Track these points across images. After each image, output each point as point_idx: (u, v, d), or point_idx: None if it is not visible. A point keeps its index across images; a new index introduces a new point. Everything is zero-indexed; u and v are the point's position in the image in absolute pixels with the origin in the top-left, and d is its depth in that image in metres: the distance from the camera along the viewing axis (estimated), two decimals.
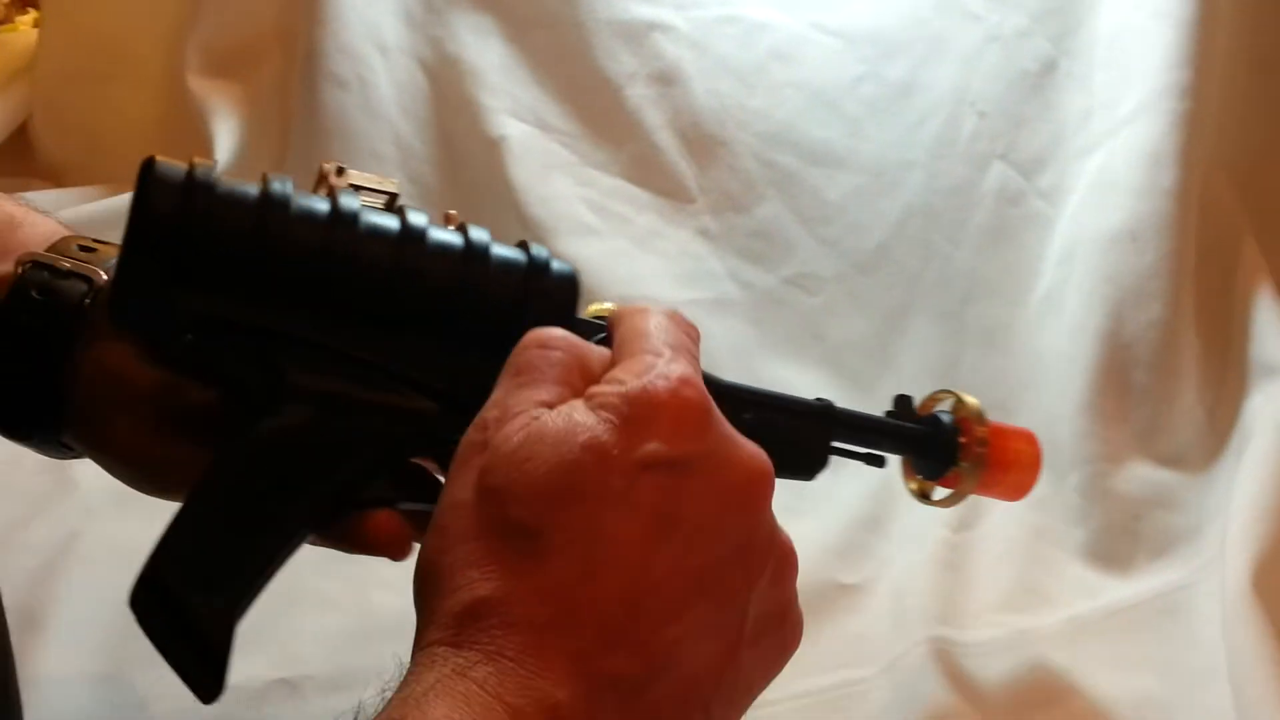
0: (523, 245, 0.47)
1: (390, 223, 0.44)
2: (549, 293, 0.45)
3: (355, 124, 1.14)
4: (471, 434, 0.38)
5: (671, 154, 1.13)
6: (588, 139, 1.15)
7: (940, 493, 0.59)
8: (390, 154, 1.14)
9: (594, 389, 0.37)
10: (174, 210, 0.40)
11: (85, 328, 0.46)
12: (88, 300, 0.46)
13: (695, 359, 0.39)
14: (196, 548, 0.39)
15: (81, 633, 0.71)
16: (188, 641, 0.38)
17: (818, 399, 0.53)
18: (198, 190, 0.40)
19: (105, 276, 0.47)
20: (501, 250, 0.45)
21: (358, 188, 0.45)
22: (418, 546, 0.39)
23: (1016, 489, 0.58)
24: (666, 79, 1.13)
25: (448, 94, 1.15)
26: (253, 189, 0.42)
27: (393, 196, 0.46)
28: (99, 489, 0.83)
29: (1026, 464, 0.57)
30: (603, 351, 0.41)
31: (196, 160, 0.42)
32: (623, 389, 0.36)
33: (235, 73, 1.22)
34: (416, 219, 0.44)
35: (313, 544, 0.44)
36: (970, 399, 0.57)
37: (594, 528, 0.34)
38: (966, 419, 0.56)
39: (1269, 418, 0.88)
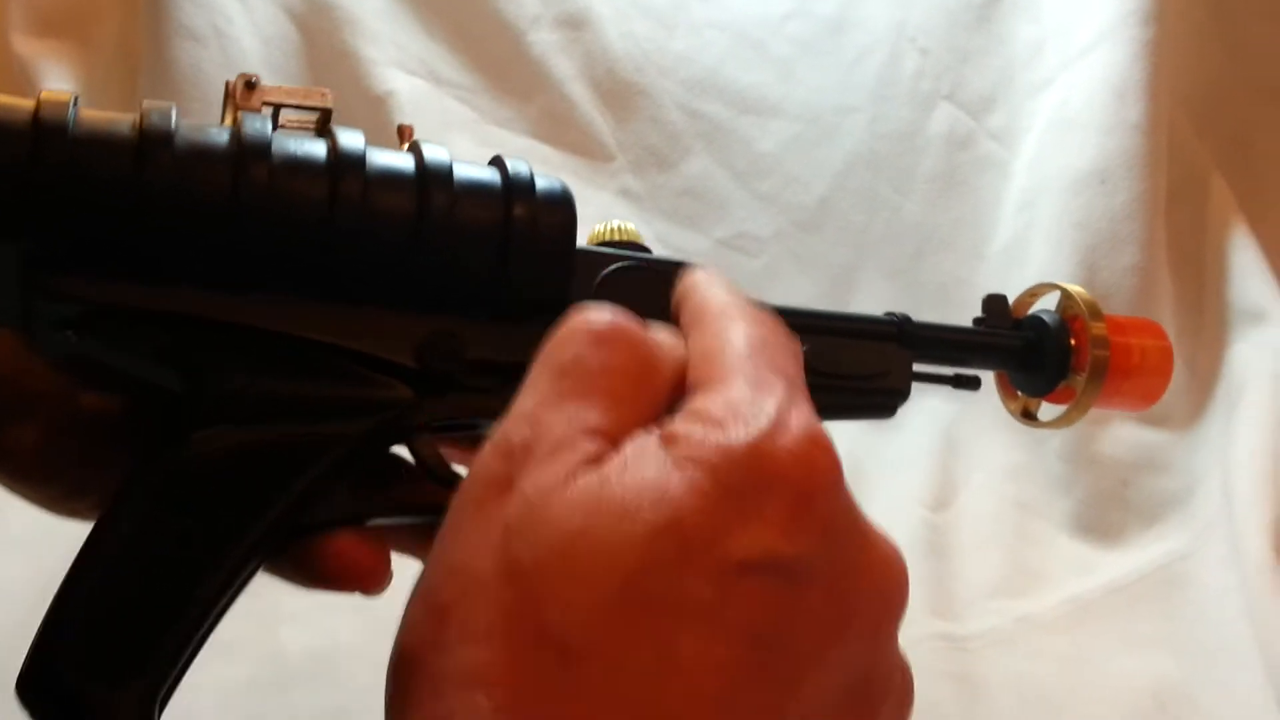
0: (497, 162, 0.37)
1: (316, 150, 0.33)
2: (538, 223, 0.35)
3: (214, 84, 1.00)
4: (490, 460, 0.26)
5: (585, 107, 1.01)
6: (489, 93, 1.03)
7: (1049, 410, 0.48)
8: None
9: (677, 425, 0.26)
10: (17, 165, 0.30)
11: None
12: None
13: (806, 389, 0.28)
14: (98, 618, 0.30)
15: None
16: None
17: (889, 314, 0.44)
18: (49, 136, 0.30)
19: None
20: (468, 172, 0.35)
21: (275, 107, 0.35)
22: (413, 569, 0.29)
23: (1145, 396, 0.47)
24: (576, 22, 1.02)
25: (321, 45, 1.02)
26: (124, 125, 0.32)
27: (325, 114, 0.36)
28: None
29: (1155, 365, 0.46)
30: (674, 347, 0.29)
31: (45, 95, 0.31)
32: (723, 439, 0.25)
33: (68, 30, 1.06)
34: (350, 141, 0.34)
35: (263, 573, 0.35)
36: (1079, 290, 0.46)
37: (665, 654, 0.23)
38: (1078, 317, 0.45)
39: (1263, 369, 0.81)
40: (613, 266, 0.38)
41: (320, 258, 0.33)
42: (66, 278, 0.31)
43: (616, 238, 0.40)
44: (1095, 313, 0.45)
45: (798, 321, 0.40)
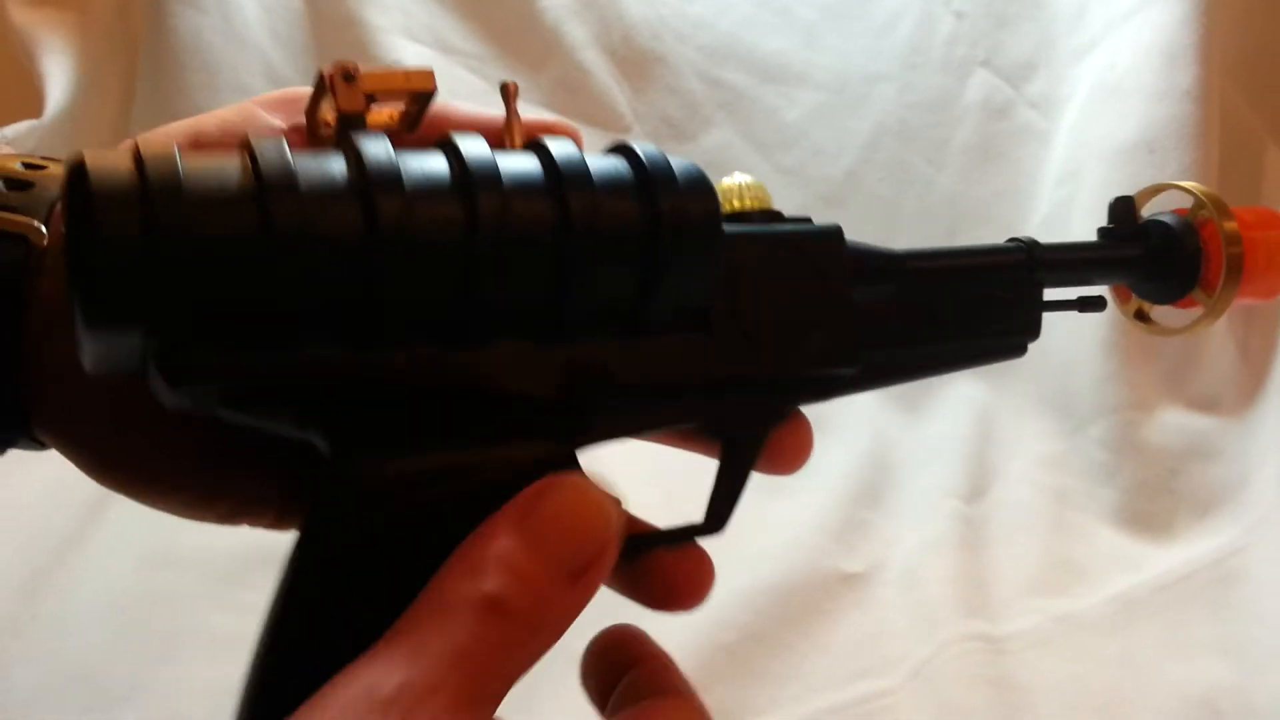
0: (622, 150, 0.32)
1: (439, 165, 0.29)
2: (686, 219, 0.31)
3: (216, 53, 0.97)
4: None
5: (601, 75, 0.97)
6: (500, 61, 0.98)
7: (1174, 316, 0.45)
8: (260, 88, 0.97)
9: None
10: (128, 239, 0.26)
11: (29, 302, 0.32)
12: (26, 266, 0.33)
13: None
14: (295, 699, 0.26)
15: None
16: None
17: (1012, 240, 0.41)
18: (162, 199, 0.26)
19: (46, 231, 0.33)
20: (602, 166, 0.31)
21: (370, 99, 0.30)
22: None
23: (1273, 290, 0.44)
24: None
25: (327, 12, 0.98)
26: (235, 171, 0.28)
27: (425, 97, 0.32)
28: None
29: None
30: None
31: (146, 148, 0.27)
32: None
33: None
34: (474, 148, 0.29)
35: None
36: (1201, 188, 0.43)
37: None
38: (1208, 220, 0.42)
39: None
40: (744, 246, 0.33)
41: (458, 291, 0.29)
42: (192, 357, 0.27)
43: (744, 203, 0.35)
44: (1224, 210, 0.42)
45: (925, 264, 0.38)
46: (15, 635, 0.63)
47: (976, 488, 0.81)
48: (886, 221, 0.94)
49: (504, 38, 0.99)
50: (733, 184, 0.35)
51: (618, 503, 0.30)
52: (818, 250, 0.35)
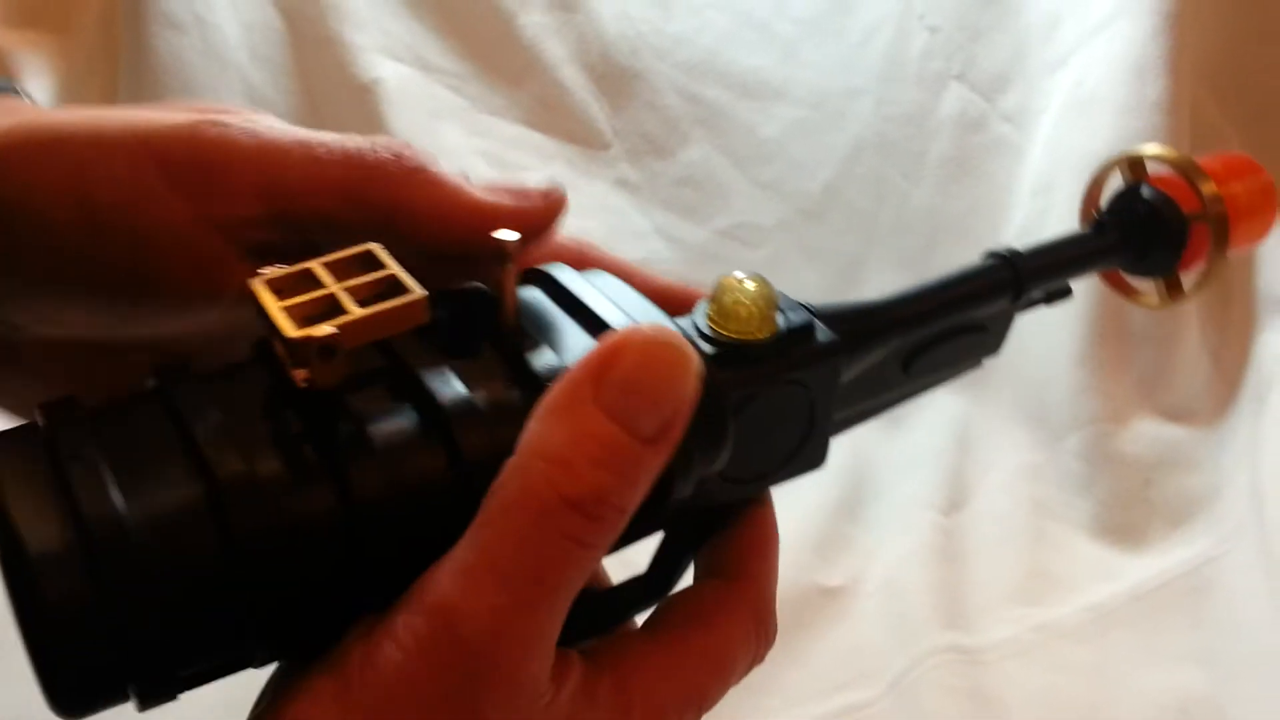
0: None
1: (405, 425, 0.26)
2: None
3: (196, 74, 0.97)
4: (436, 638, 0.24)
5: (579, 93, 0.97)
6: (479, 79, 0.99)
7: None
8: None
9: None
10: (80, 608, 0.23)
11: None
12: None
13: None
14: None
15: None
16: None
17: (991, 256, 0.38)
18: (106, 550, 0.23)
19: None
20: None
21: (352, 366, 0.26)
22: None
23: (1257, 237, 0.43)
24: (567, 3, 0.98)
25: (306, 32, 0.98)
26: (177, 483, 0.24)
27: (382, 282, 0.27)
28: None
29: (1262, 203, 0.41)
30: None
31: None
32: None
33: (47, 20, 1.03)
34: (448, 392, 0.26)
35: None
36: (1163, 150, 0.42)
37: None
38: (1185, 177, 0.40)
39: None
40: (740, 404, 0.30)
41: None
42: (167, 687, 0.25)
43: (748, 328, 0.30)
44: (1195, 170, 0.41)
45: (912, 315, 0.35)
46: (11, 640, 0.63)
47: (954, 500, 0.81)
48: (864, 235, 0.94)
49: (483, 55, 0.99)
50: (736, 298, 0.30)
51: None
52: (813, 383, 0.31)
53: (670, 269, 0.95)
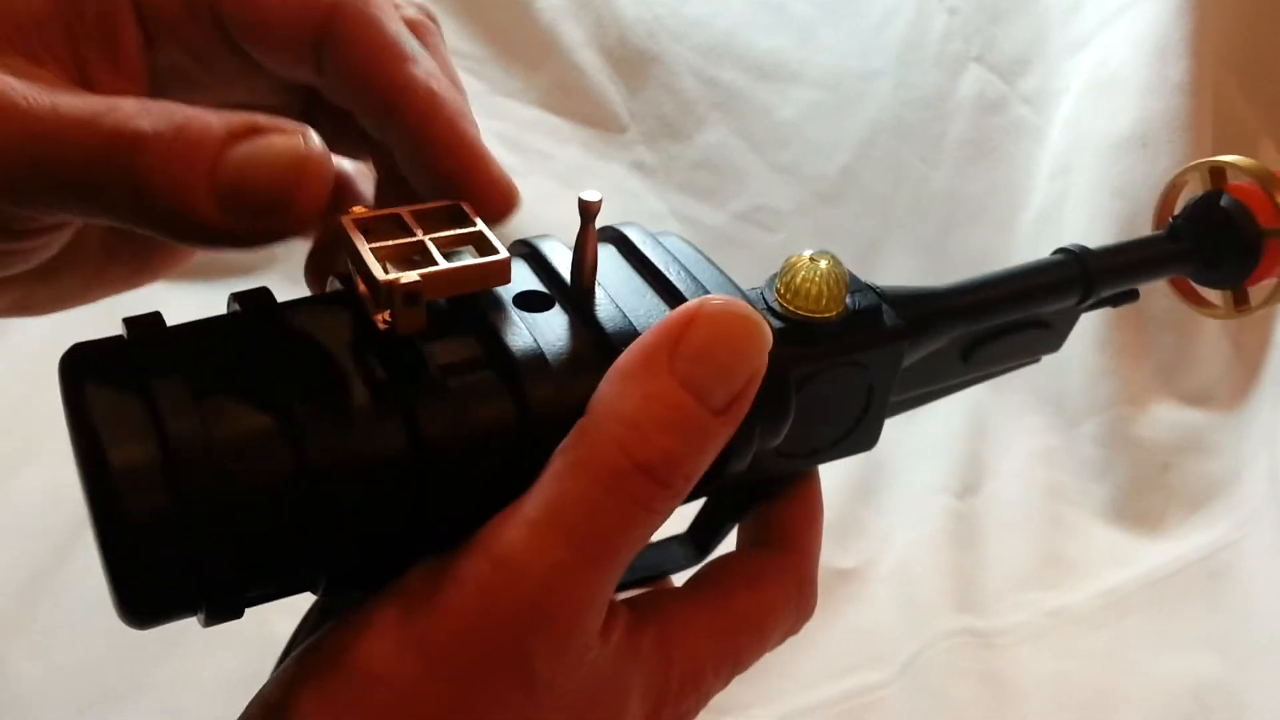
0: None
1: (477, 372, 0.26)
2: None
3: None
4: (501, 590, 0.25)
5: (596, 75, 0.97)
6: (496, 62, 0.98)
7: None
8: None
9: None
10: (158, 523, 0.24)
11: None
12: None
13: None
14: None
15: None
16: None
17: (1059, 252, 0.38)
18: (188, 467, 0.24)
19: None
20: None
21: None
22: None
23: None
24: None
25: None
26: (257, 409, 0.25)
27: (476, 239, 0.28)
28: None
29: None
30: None
31: (161, 391, 0.24)
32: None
33: None
34: (521, 342, 0.27)
35: None
36: (1242, 161, 0.41)
37: None
38: (1265, 189, 0.40)
39: None
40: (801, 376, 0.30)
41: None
42: (234, 605, 0.27)
43: (819, 306, 0.30)
44: (1276, 184, 0.40)
45: (974, 300, 0.35)
46: (15, 635, 0.63)
47: (969, 484, 0.81)
48: (881, 218, 0.94)
49: (500, 38, 0.99)
50: (806, 276, 0.30)
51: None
52: (875, 365, 0.31)
53: None
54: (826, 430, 0.32)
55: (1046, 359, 0.91)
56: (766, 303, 0.31)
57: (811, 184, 0.96)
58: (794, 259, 0.31)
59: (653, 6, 0.98)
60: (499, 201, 0.30)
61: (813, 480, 0.34)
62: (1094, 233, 0.85)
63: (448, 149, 0.29)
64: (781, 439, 0.30)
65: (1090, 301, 0.38)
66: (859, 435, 0.33)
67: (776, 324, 0.30)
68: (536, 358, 0.26)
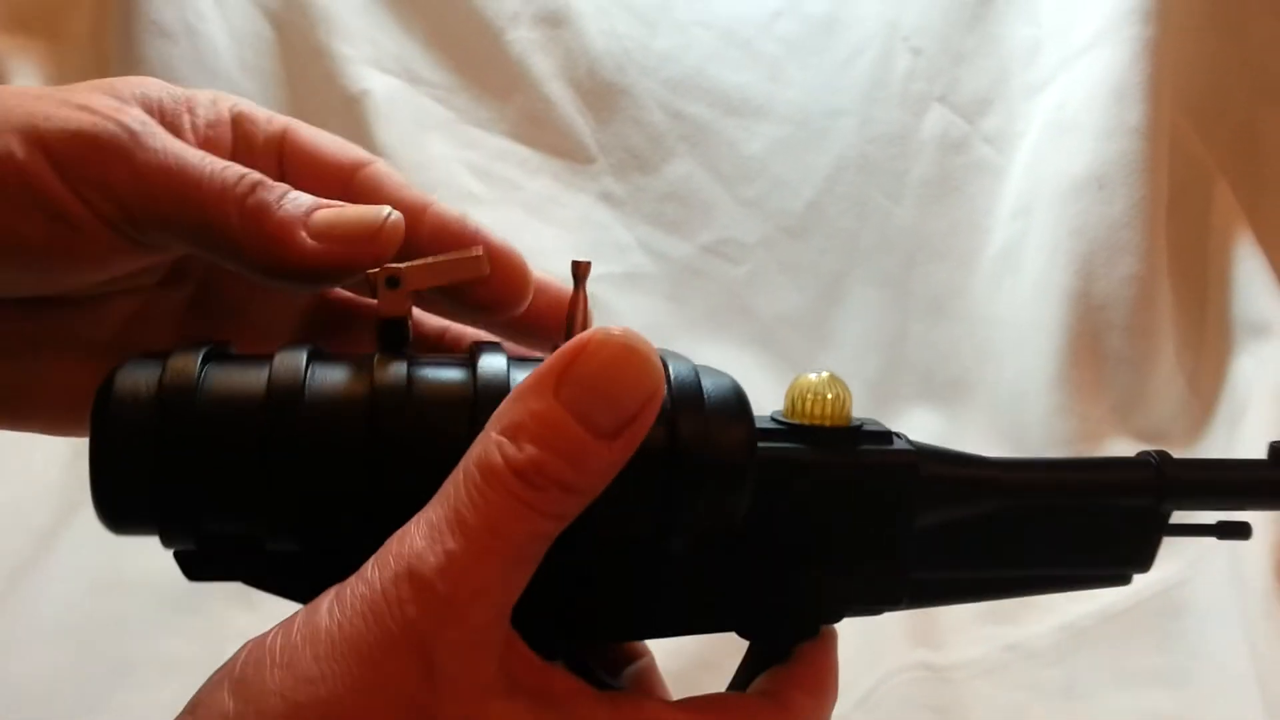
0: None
1: (454, 378, 0.30)
2: (708, 448, 0.29)
3: (186, 83, 0.94)
4: (402, 594, 0.27)
5: (565, 107, 0.98)
6: (466, 92, 0.99)
7: None
8: None
9: None
10: (140, 431, 0.29)
11: None
12: None
13: None
14: None
15: None
16: None
17: (1141, 455, 0.35)
18: (174, 397, 0.29)
19: None
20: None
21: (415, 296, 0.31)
22: None
23: None
24: (555, 19, 0.98)
25: (296, 43, 0.99)
26: (260, 377, 0.29)
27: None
28: None
29: None
30: None
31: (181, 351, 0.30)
32: None
33: (39, 26, 1.04)
34: (491, 365, 0.30)
35: None
36: None
37: None
38: None
39: (1267, 384, 0.77)
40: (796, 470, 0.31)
41: None
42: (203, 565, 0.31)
43: (820, 412, 0.32)
44: None
45: (1024, 479, 0.34)
46: None
47: None
48: (845, 253, 0.95)
49: (471, 69, 1.00)
50: (810, 386, 0.32)
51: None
52: (880, 486, 0.32)
53: (654, 284, 0.96)
54: (844, 562, 0.32)
55: (1004, 391, 0.91)
56: (773, 418, 0.33)
57: (777, 218, 0.96)
58: (798, 379, 0.33)
59: (622, 40, 0.99)
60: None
61: (826, 646, 0.34)
62: (1052, 271, 0.87)
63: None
64: (737, 516, 0.30)
65: (1169, 519, 0.35)
66: (880, 584, 0.33)
67: (771, 425, 0.32)
68: (497, 379, 0.29)
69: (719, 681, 0.36)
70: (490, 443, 0.27)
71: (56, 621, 0.67)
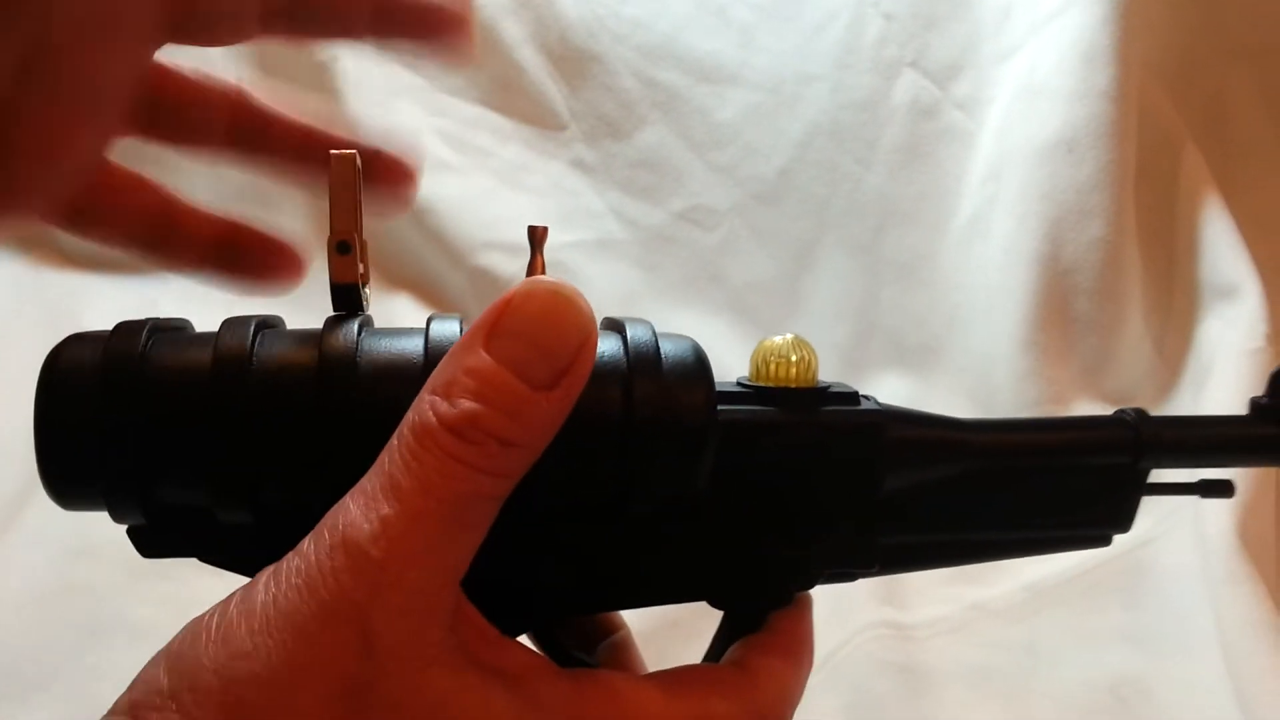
0: (613, 327, 0.31)
1: (409, 348, 0.30)
2: (666, 411, 0.29)
3: None
4: (338, 565, 0.26)
5: (537, 73, 0.97)
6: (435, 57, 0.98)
7: None
8: None
9: None
10: (85, 402, 0.29)
11: None
12: None
13: None
14: None
15: None
16: None
17: (1118, 412, 0.35)
18: (119, 367, 0.29)
19: None
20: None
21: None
22: None
23: None
24: None
25: None
26: (207, 346, 0.30)
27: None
28: None
29: None
30: None
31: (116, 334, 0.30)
32: None
33: None
34: (443, 330, 0.30)
35: None
36: None
37: None
38: None
39: (1233, 347, 0.77)
40: (762, 432, 0.31)
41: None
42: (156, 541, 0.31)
43: (785, 373, 0.32)
44: None
45: (996, 441, 0.34)
46: None
47: None
48: (816, 219, 0.95)
49: None
50: (774, 349, 0.32)
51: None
52: (847, 446, 0.31)
53: (625, 251, 0.96)
54: (818, 526, 0.32)
55: (973, 355, 0.92)
56: (738, 383, 0.32)
57: (749, 184, 0.96)
58: (763, 343, 0.32)
59: (594, 6, 0.98)
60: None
61: (800, 613, 0.33)
62: (1021, 235, 0.87)
63: None
64: (698, 480, 0.30)
65: (1147, 478, 0.35)
66: (854, 547, 0.32)
67: (735, 388, 0.32)
68: (445, 345, 0.28)
69: (688, 639, 0.36)
70: (424, 403, 0.26)
71: (24, 589, 0.67)
